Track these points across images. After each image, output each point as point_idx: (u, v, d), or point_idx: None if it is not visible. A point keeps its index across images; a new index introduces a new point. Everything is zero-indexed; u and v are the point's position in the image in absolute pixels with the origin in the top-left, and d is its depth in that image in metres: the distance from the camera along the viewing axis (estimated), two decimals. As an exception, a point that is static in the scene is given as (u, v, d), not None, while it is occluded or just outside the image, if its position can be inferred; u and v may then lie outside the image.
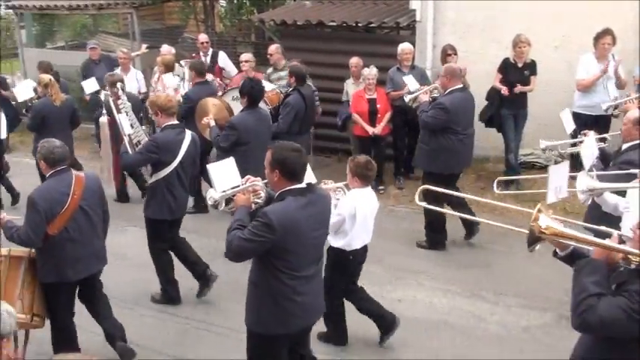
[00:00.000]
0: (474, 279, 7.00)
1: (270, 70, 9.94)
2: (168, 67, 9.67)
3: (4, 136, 9.08)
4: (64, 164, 5.12)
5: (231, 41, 13.43)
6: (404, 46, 9.19)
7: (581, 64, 8.55)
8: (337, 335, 5.82)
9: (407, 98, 8.09)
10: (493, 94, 8.96)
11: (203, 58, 10.31)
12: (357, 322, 5.93)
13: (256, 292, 4.20)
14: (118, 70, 10.15)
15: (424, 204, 4.16)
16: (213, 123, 7.34)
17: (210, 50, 10.70)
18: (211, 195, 4.70)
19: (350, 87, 9.54)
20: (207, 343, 5.93)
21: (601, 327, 3.06)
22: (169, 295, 6.61)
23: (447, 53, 8.94)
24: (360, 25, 10.54)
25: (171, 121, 6.26)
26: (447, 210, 4.29)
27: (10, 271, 5.00)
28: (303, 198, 4.06)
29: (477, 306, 6.50)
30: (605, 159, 5.68)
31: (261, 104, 7.70)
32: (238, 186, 4.50)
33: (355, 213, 5.28)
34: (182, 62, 9.64)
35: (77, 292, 5.47)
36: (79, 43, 15.76)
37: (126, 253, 7.64)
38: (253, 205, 4.37)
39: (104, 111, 8.08)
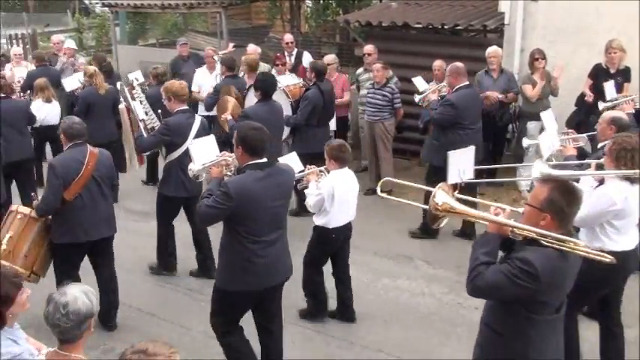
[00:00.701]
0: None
1: (360, 70, 9.98)
2: (252, 67, 9.85)
3: (55, 121, 9.38)
4: (81, 139, 5.73)
5: (316, 41, 13.51)
6: (491, 49, 9.02)
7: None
8: (316, 310, 6.24)
9: (417, 98, 8.47)
10: (582, 100, 8.67)
11: (287, 58, 10.43)
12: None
13: (223, 254, 4.81)
14: (204, 68, 10.42)
15: (385, 195, 4.47)
16: (230, 117, 7.85)
17: (295, 50, 10.82)
18: (191, 168, 5.48)
19: (433, 90, 9.42)
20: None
21: (488, 290, 3.51)
22: (164, 264, 7.11)
23: (535, 58, 8.71)
24: (446, 27, 10.41)
25: (182, 106, 6.79)
26: (402, 199, 4.41)
27: (24, 229, 5.57)
28: (261, 172, 4.62)
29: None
30: (582, 158, 5.88)
31: (283, 97, 8.42)
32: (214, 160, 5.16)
33: (333, 192, 5.72)
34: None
35: (91, 259, 6.04)
36: (169, 40, 16.28)
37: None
38: (226, 177, 4.83)
39: (121, 99, 8.71)
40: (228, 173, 4.95)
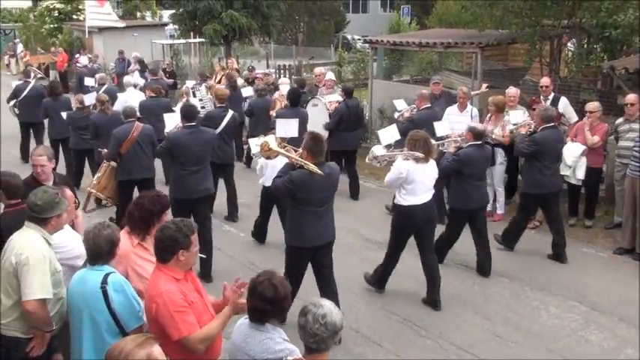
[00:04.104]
0: None
1: (620, 120, 9.31)
2: (499, 107, 9.68)
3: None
4: (131, 119, 9.22)
5: (575, 87, 12.84)
6: None
7: None
8: (258, 233, 9.37)
9: (396, 115, 11.25)
10: None
11: (543, 102, 10.04)
12: None
13: (170, 177, 8.64)
14: (455, 106, 10.44)
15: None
16: (274, 114, 11.24)
17: (552, 95, 10.36)
18: (166, 131, 9.12)
19: None
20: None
21: (276, 191, 6.37)
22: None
23: None
24: None
25: (221, 104, 10.34)
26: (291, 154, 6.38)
27: (108, 172, 9.03)
28: (189, 130, 8.02)
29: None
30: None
31: (324, 109, 11.85)
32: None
33: (268, 163, 8.10)
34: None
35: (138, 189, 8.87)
36: (422, 78, 16.57)
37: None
38: None
39: (185, 97, 12.92)
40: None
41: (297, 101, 10.84)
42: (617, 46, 12.75)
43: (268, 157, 6.72)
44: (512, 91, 10.31)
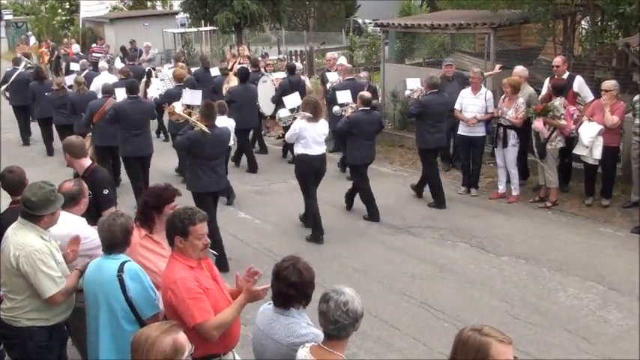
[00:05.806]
0: None
1: (637, 97, 9.19)
2: (515, 89, 9.57)
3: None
4: (106, 94, 10.85)
5: (590, 65, 12.69)
6: None
7: None
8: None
9: (328, 86, 12.99)
10: None
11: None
12: None
13: (119, 140, 10.18)
14: (468, 89, 10.33)
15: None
16: (225, 91, 13.04)
17: (567, 74, 10.23)
18: (114, 102, 10.52)
19: None
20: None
21: (178, 147, 9.09)
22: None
23: None
24: None
25: (179, 84, 11.97)
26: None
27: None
28: (131, 100, 10.10)
29: None
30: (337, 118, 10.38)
31: (271, 84, 13.61)
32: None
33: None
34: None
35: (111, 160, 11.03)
36: (435, 60, 16.43)
37: (453, 268, 7.82)
38: None
39: (147, 77, 14.89)
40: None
41: (246, 78, 12.65)
42: (632, 22, 12.53)
43: (177, 120, 8.56)
44: (518, 69, 10.36)
